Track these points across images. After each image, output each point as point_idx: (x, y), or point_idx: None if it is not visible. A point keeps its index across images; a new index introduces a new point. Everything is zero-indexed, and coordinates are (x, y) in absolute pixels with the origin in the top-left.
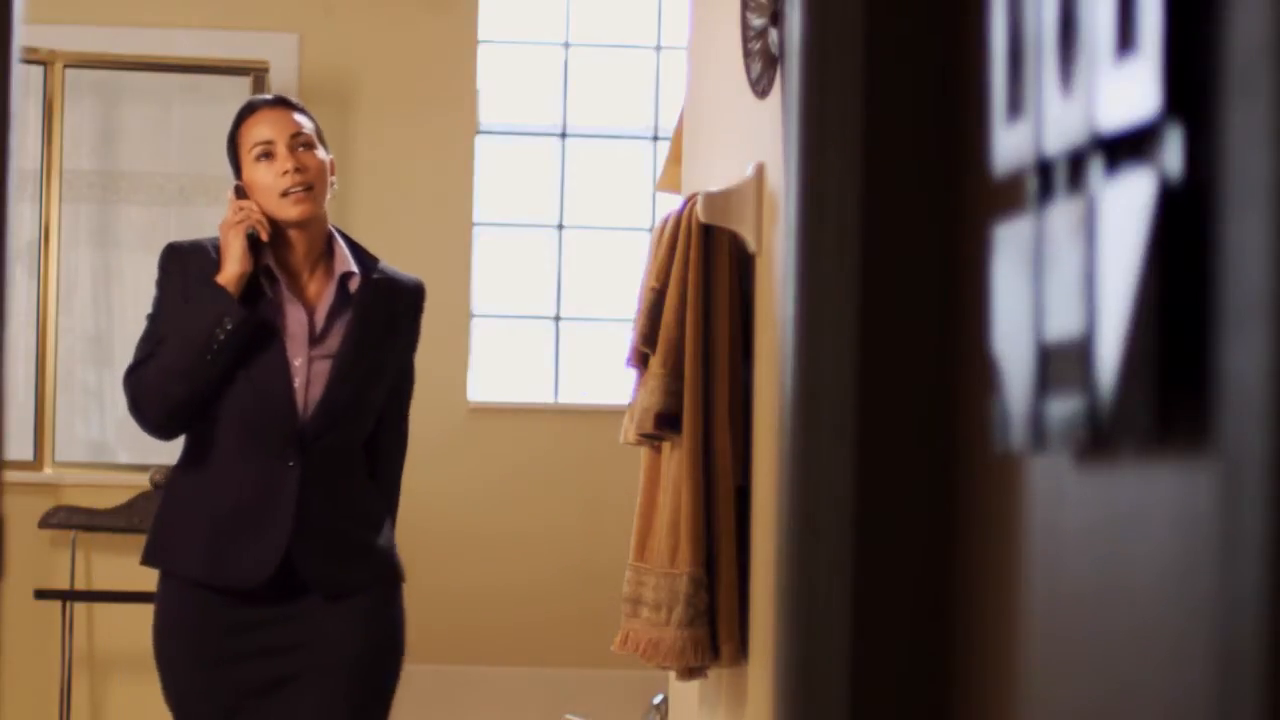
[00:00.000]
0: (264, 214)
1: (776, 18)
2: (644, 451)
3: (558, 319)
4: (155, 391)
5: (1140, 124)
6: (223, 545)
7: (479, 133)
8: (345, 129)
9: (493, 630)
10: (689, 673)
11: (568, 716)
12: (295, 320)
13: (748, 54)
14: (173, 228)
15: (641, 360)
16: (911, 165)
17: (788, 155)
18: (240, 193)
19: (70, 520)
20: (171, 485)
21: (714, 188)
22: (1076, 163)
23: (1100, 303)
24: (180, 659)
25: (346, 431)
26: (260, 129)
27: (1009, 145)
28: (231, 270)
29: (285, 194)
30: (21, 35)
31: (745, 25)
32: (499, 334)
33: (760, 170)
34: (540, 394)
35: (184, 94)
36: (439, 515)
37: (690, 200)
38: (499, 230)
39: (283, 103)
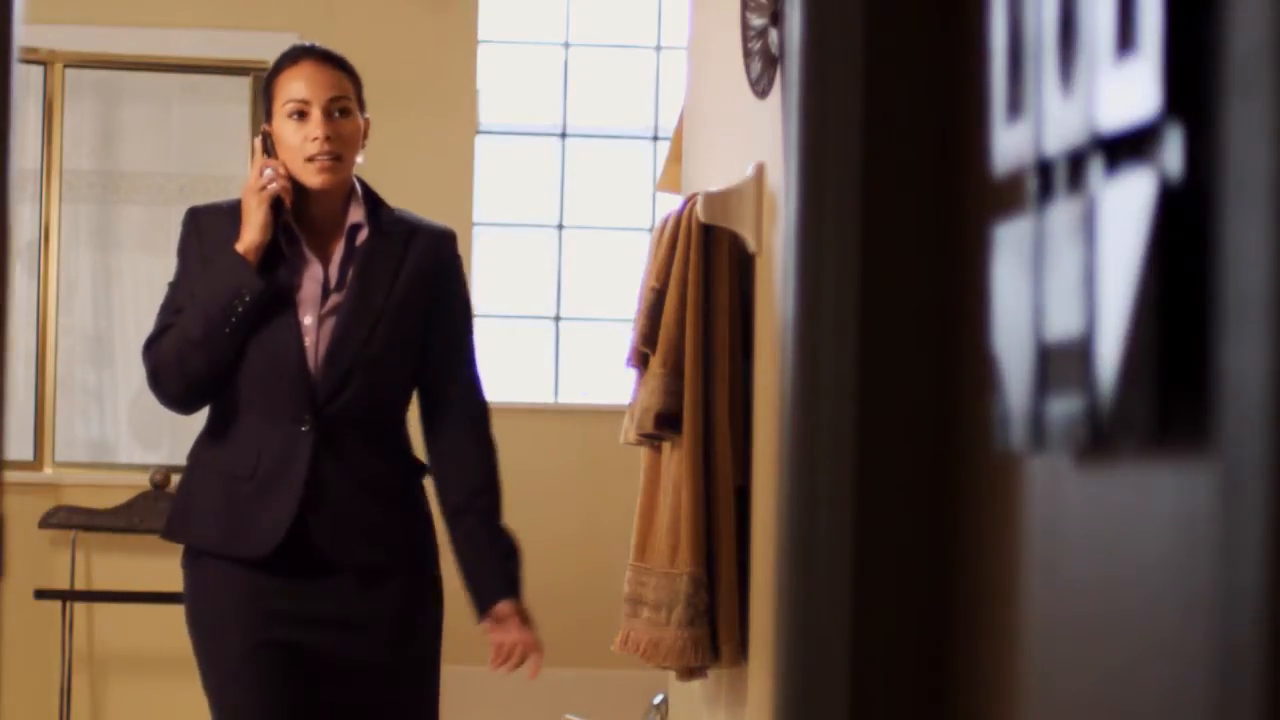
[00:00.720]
0: (288, 172)
1: (776, 18)
2: (644, 451)
3: (558, 319)
4: (173, 363)
5: (1140, 124)
6: (237, 514)
7: (479, 133)
8: None
9: None
10: (689, 673)
11: (568, 716)
12: (311, 278)
13: (748, 54)
14: (173, 228)
15: (641, 360)
16: (911, 165)
17: (788, 155)
18: (267, 140)
19: (70, 520)
20: (192, 457)
21: (714, 188)
22: (1076, 163)
23: (1100, 303)
24: (214, 627)
25: (364, 392)
26: (298, 85)
27: (1009, 145)
28: (251, 239)
29: (311, 159)
30: (21, 35)
31: (745, 25)
32: (499, 334)
33: (760, 170)
34: (540, 394)
35: (184, 94)
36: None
37: (690, 200)
38: (499, 230)
39: (326, 58)
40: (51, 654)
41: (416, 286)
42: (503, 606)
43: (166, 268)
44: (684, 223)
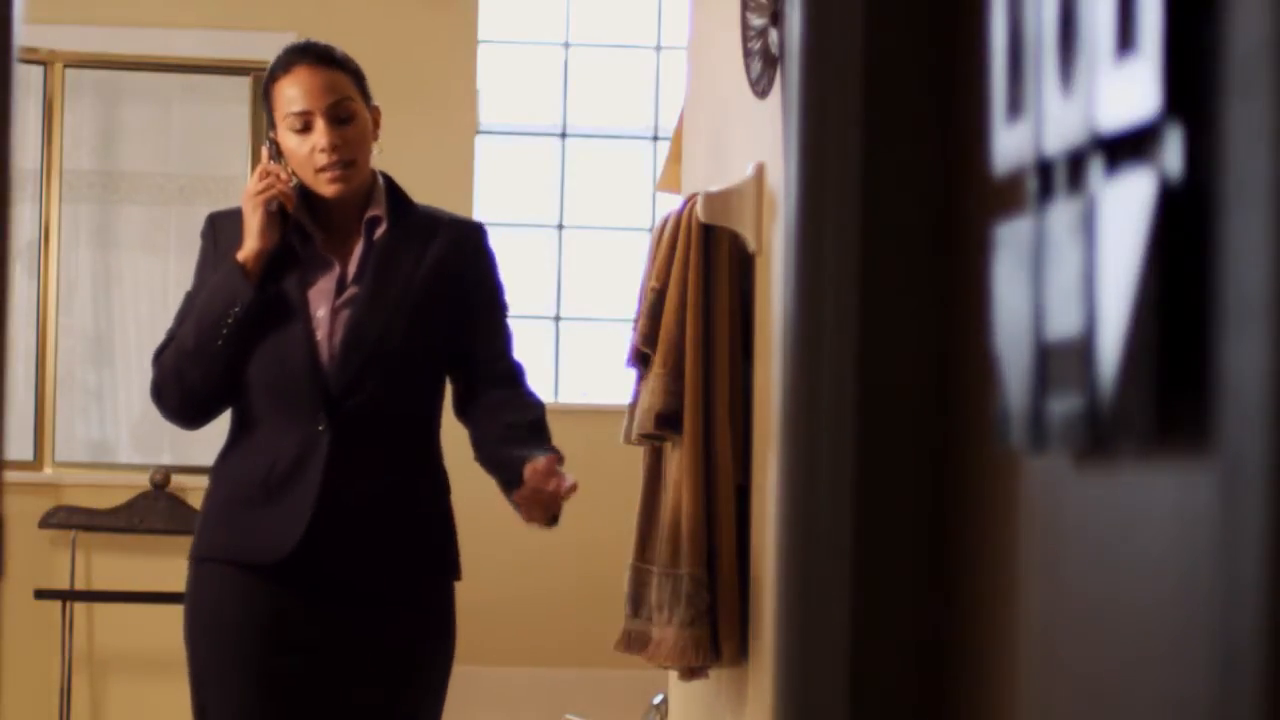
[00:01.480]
0: (299, 179)
1: (776, 18)
2: (644, 451)
3: (558, 319)
4: (171, 376)
5: (1140, 124)
6: (248, 519)
7: (479, 133)
8: None
9: (493, 630)
10: (690, 673)
11: (568, 716)
12: (325, 275)
13: (748, 54)
14: (173, 228)
15: (641, 360)
16: (911, 165)
17: (788, 155)
18: (273, 149)
19: (70, 520)
20: (215, 470)
21: (714, 188)
22: (1076, 163)
23: (1100, 303)
24: (204, 640)
25: (382, 389)
26: (295, 94)
27: (1009, 145)
28: (250, 247)
29: (322, 170)
30: (21, 35)
31: (745, 25)
32: None
33: (760, 170)
34: (540, 394)
35: (184, 94)
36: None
37: (690, 200)
38: (499, 230)
39: (321, 59)
40: (51, 654)
41: (439, 279)
42: (548, 458)
43: (166, 268)
44: (684, 223)
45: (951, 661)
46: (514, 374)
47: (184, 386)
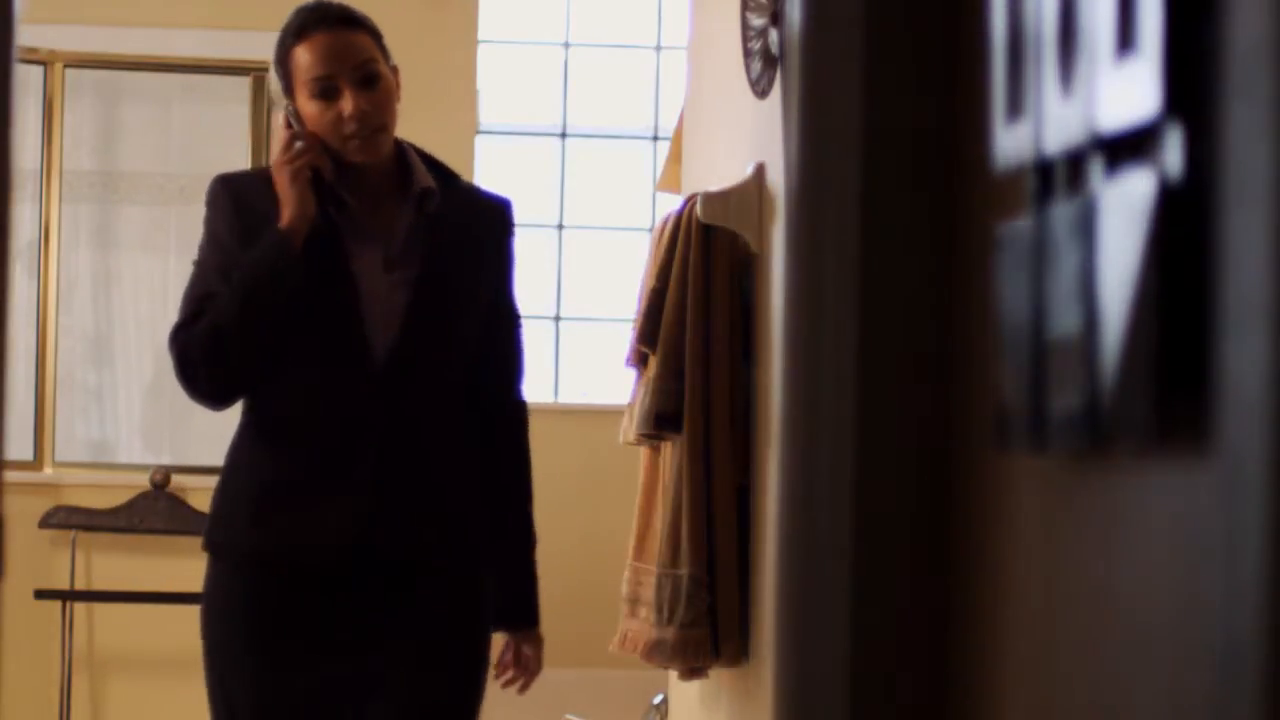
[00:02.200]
0: (317, 142)
1: (776, 18)
2: (643, 451)
3: (558, 319)
4: (205, 355)
5: (1140, 124)
6: (288, 514)
7: (479, 133)
8: None
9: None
10: (690, 673)
11: (568, 716)
12: (367, 247)
13: (748, 54)
14: (173, 228)
15: (641, 360)
16: (911, 165)
17: (788, 155)
18: (295, 115)
19: (70, 520)
20: (232, 455)
21: (714, 188)
22: (1076, 163)
23: (1100, 302)
24: (228, 644)
25: (432, 371)
26: (316, 60)
27: (1009, 145)
28: (294, 216)
29: (351, 137)
30: (21, 35)
31: (745, 25)
32: None
33: (760, 170)
34: (540, 394)
35: (184, 94)
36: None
37: (690, 200)
38: None
39: (342, 22)
40: (51, 654)
41: (480, 260)
42: (534, 633)
43: (166, 268)
44: (684, 223)
45: (951, 661)
46: (518, 424)
47: (222, 367)
